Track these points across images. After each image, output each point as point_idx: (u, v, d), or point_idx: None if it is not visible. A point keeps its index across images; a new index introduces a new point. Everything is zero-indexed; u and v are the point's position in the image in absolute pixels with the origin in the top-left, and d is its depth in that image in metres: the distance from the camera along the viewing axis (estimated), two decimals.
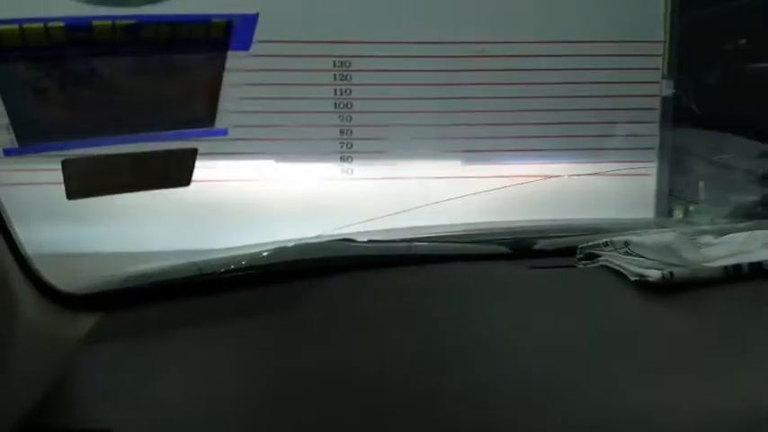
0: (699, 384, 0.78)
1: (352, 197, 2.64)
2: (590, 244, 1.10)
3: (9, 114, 0.74)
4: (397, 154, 2.71)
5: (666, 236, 1.04)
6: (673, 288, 0.98)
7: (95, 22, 0.71)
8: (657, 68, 2.78)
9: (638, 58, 2.74)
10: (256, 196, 2.58)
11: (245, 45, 0.74)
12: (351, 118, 2.69)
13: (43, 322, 0.86)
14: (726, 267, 1.00)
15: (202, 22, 0.70)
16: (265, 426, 0.75)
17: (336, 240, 1.19)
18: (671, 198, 2.85)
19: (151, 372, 0.86)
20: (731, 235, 1.12)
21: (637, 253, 1.03)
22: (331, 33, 2.58)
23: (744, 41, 2.77)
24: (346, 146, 2.72)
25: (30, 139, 0.77)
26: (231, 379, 0.84)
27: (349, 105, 2.68)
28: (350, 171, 2.72)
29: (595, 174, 2.74)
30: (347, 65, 2.64)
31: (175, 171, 0.79)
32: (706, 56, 2.77)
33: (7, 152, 0.78)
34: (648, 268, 1.00)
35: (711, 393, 0.76)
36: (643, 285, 0.99)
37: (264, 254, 1.14)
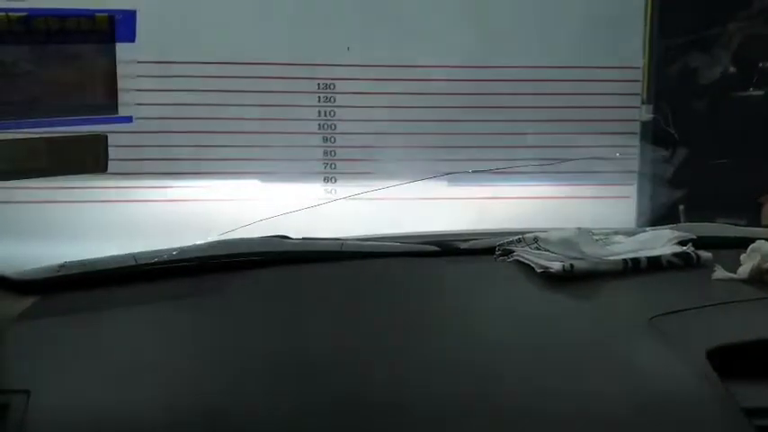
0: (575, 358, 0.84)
1: (333, 217, 2.69)
2: (506, 241, 1.16)
3: None
4: (381, 175, 2.77)
5: (568, 232, 1.09)
6: (574, 278, 1.04)
7: None
8: (637, 94, 2.85)
9: (619, 83, 2.81)
10: (236, 215, 2.64)
11: (129, 37, 0.81)
12: (335, 139, 2.77)
13: None
14: (625, 261, 1.06)
15: (87, 16, 0.77)
16: (174, 399, 0.80)
17: (270, 237, 1.25)
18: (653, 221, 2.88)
19: (75, 345, 0.91)
20: (639, 234, 1.17)
21: (544, 248, 1.09)
22: (315, 56, 2.67)
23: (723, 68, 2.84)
24: (330, 166, 2.78)
25: None
26: (150, 355, 0.89)
27: (333, 127, 2.76)
28: (333, 191, 2.78)
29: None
30: (331, 87, 2.73)
31: (90, 157, 0.86)
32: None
33: None
34: (552, 261, 1.05)
35: (584, 369, 0.82)
36: (548, 276, 1.05)
37: (200, 247, 1.21)
